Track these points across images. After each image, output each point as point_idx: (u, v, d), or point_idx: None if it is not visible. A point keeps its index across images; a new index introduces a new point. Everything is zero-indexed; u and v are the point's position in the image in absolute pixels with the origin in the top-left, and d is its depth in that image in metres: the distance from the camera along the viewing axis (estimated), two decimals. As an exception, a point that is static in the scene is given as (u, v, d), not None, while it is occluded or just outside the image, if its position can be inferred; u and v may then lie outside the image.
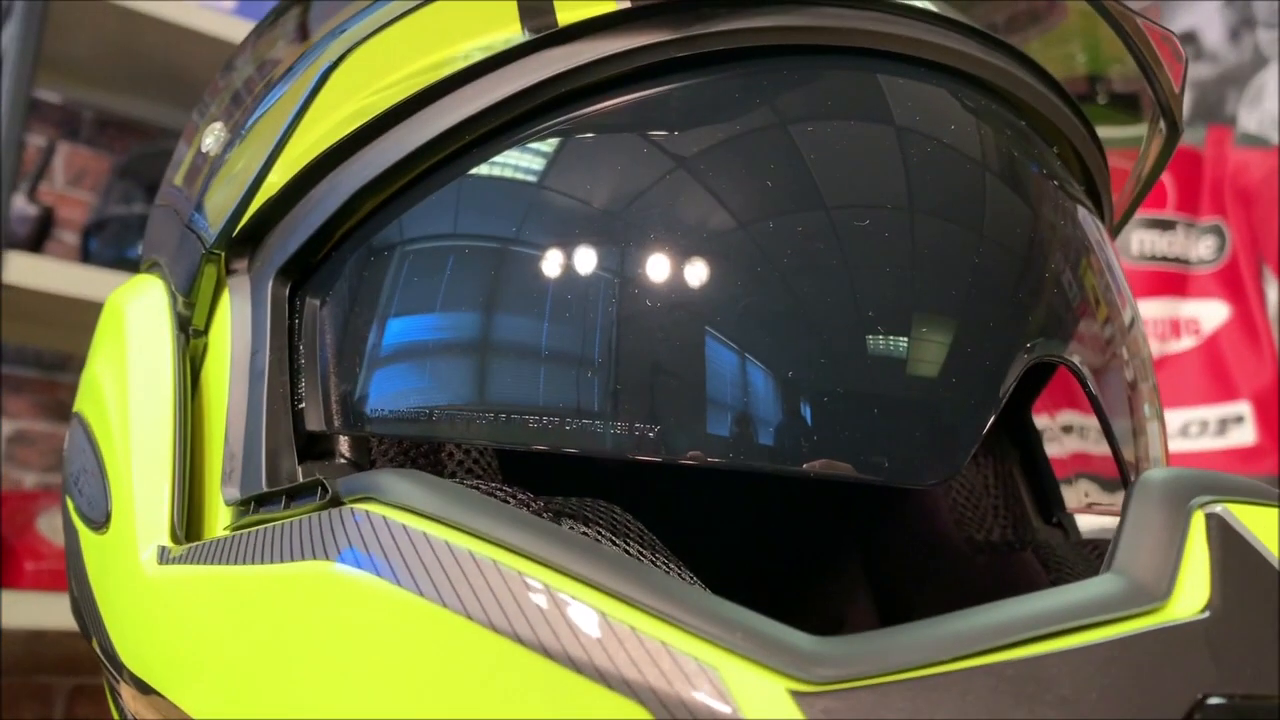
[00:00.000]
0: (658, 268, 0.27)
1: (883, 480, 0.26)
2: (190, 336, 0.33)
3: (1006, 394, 0.28)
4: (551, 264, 0.28)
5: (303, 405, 0.31)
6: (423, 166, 0.31)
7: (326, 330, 0.31)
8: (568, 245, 0.28)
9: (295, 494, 0.27)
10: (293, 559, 0.25)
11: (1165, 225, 1.96)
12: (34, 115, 1.44)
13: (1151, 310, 1.96)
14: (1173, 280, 1.95)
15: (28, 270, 1.06)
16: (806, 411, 0.26)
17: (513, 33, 0.30)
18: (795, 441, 0.26)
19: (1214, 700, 0.20)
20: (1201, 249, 1.95)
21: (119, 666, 0.30)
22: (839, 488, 0.49)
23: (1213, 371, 1.92)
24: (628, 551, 0.27)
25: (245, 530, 0.27)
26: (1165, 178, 1.90)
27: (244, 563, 0.26)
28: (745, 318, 0.27)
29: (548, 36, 0.30)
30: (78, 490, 0.35)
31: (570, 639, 0.21)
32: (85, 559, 0.34)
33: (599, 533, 0.28)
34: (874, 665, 0.20)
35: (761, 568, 0.51)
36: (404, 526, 0.23)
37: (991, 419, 0.27)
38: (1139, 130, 0.39)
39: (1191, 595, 0.21)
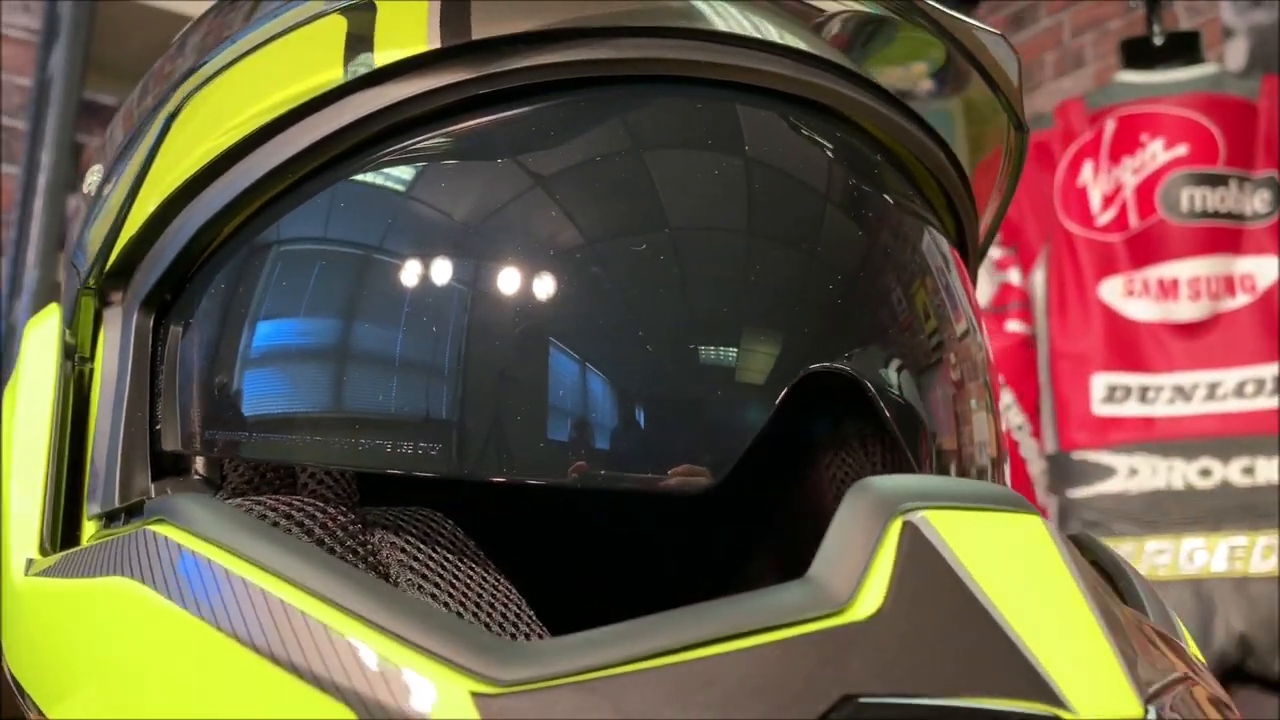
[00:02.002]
0: (434, 293, 0.29)
1: (645, 489, 0.28)
2: (77, 364, 0.37)
3: (775, 402, 0.29)
4: (363, 289, 0.31)
5: (159, 426, 0.34)
6: (258, 203, 0.33)
7: (179, 355, 0.34)
8: (374, 274, 0.31)
9: (132, 511, 0.30)
10: (101, 574, 0.28)
11: (1216, 180, 1.90)
12: (89, 117, 1.51)
13: (1202, 268, 1.91)
14: (1225, 236, 1.90)
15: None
16: (570, 425, 0.28)
17: (335, 75, 0.32)
18: (562, 454, 0.28)
19: (861, 700, 0.21)
20: (1256, 203, 1.89)
21: (9, 673, 0.34)
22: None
23: (1269, 329, 1.87)
24: (431, 559, 0.30)
25: (91, 544, 0.30)
26: (1214, 131, 1.85)
27: (76, 575, 0.29)
28: (521, 338, 0.29)
29: (364, 78, 0.32)
30: None
31: (295, 647, 0.23)
32: None
33: (406, 540, 0.30)
34: (550, 669, 0.22)
35: (694, 573, 0.53)
36: (179, 546, 0.26)
37: (759, 429, 0.29)
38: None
39: (870, 600, 0.23)
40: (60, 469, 0.34)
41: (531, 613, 0.30)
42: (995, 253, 2.13)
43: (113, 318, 0.36)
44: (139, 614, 0.26)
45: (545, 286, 0.29)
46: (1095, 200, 2.05)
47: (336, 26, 0.33)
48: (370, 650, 0.23)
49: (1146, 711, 0.23)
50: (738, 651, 0.22)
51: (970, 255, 0.43)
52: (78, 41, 1.33)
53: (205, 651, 0.25)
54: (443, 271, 0.30)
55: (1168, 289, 1.95)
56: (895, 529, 0.24)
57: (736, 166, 0.32)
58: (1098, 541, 0.39)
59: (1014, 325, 2.10)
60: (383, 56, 0.32)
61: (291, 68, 0.33)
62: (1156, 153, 1.99)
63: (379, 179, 0.32)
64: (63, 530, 0.34)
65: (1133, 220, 1.99)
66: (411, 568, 0.29)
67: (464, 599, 0.29)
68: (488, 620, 0.29)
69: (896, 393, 0.32)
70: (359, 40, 0.32)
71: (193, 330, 0.34)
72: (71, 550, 0.31)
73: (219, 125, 0.33)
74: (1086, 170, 2.07)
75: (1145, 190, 1.96)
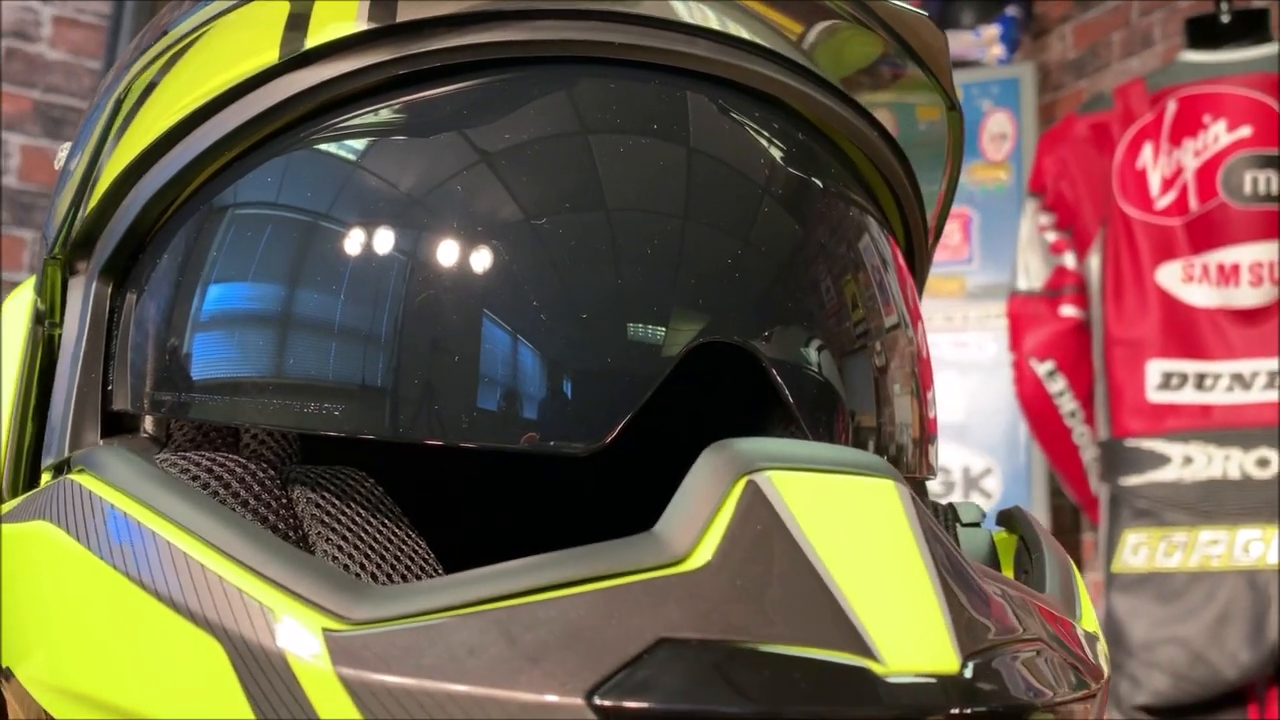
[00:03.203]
0: (345, 261, 0.31)
1: (535, 450, 0.30)
2: (46, 329, 0.39)
3: (663, 373, 0.30)
4: (288, 258, 0.33)
5: (111, 387, 0.36)
6: (201, 178, 0.35)
7: (131, 321, 0.36)
8: (298, 243, 0.33)
9: (72, 463, 0.33)
10: (31, 518, 0.30)
11: (1280, 163, 1.85)
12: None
13: (1264, 253, 1.86)
14: (1290, 220, 1.85)
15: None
16: (466, 390, 0.30)
17: (270, 57, 0.34)
18: (457, 417, 0.30)
19: (676, 641, 0.23)
20: (1325, 186, 1.83)
21: None
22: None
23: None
24: (342, 513, 0.31)
25: (32, 492, 0.33)
26: (1280, 111, 1.79)
27: (16, 520, 0.32)
28: (423, 308, 0.30)
29: (297, 58, 0.34)
30: None
31: (174, 584, 0.25)
32: None
33: (323, 496, 0.32)
34: (394, 610, 0.24)
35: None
36: (87, 491, 0.28)
37: (645, 396, 0.30)
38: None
39: (705, 552, 0.24)
40: (24, 424, 0.37)
41: (440, 567, 0.32)
42: (1051, 236, 2.09)
43: (76, 285, 0.38)
44: (52, 554, 0.28)
45: (446, 257, 0.30)
46: (1155, 183, 2.00)
47: (277, 9, 0.35)
48: (240, 590, 0.25)
49: (964, 666, 0.24)
50: (565, 598, 0.23)
51: (916, 244, 0.44)
52: (139, 24, 1.38)
53: (104, 588, 0.27)
54: (355, 240, 0.32)
55: (1228, 274, 1.90)
56: (739, 487, 0.25)
57: (644, 144, 0.33)
58: (1024, 516, 0.39)
59: (1068, 310, 2.07)
60: (314, 39, 0.34)
61: (233, 51, 0.35)
62: (1219, 134, 1.93)
63: (307, 154, 0.34)
64: (27, 481, 0.37)
65: (1193, 204, 1.94)
66: (323, 521, 0.31)
67: (370, 551, 0.31)
68: (391, 571, 0.31)
69: (815, 371, 0.33)
70: (296, 23, 0.34)
71: (143, 298, 0.36)
72: (20, 496, 0.33)
73: (170, 105, 0.35)
74: (1146, 152, 2.03)
75: (1206, 173, 1.91)
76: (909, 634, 0.24)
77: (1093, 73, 2.64)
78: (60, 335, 0.39)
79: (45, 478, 0.36)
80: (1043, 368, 2.08)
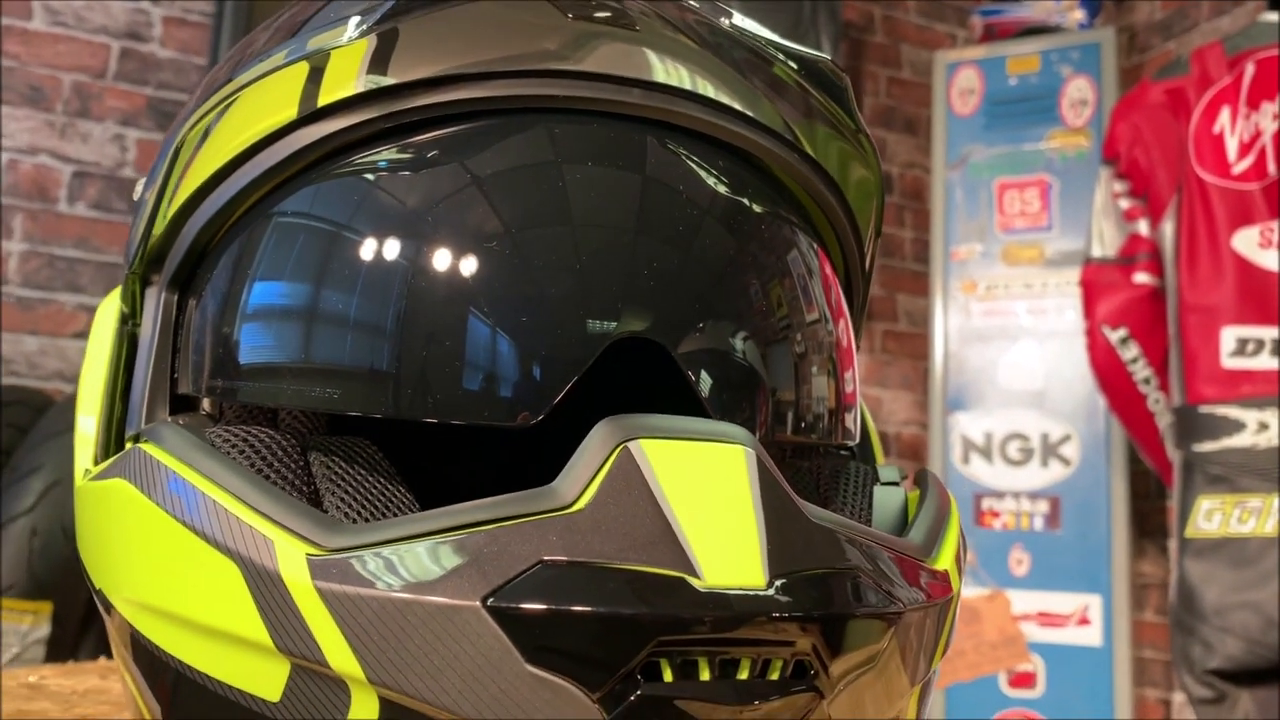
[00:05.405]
0: (342, 277, 0.40)
1: (487, 420, 0.38)
2: (130, 328, 0.49)
3: (588, 361, 0.38)
4: (307, 274, 0.42)
5: (177, 375, 0.46)
6: (240, 210, 0.45)
7: (191, 322, 0.46)
8: (315, 261, 0.42)
9: (141, 435, 0.43)
10: (113, 477, 0.40)
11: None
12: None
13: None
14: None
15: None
16: (438, 376, 0.38)
17: (290, 113, 0.43)
18: (421, 394, 0.38)
19: (551, 561, 0.31)
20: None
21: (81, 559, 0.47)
22: None
23: None
24: (347, 473, 0.41)
25: (116, 457, 0.43)
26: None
27: (103, 479, 0.42)
28: (404, 312, 0.39)
29: (310, 115, 0.43)
30: None
31: (207, 524, 0.35)
32: None
33: (333, 461, 0.41)
34: (360, 540, 0.33)
35: None
36: (151, 457, 0.38)
37: (573, 380, 0.38)
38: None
39: (583, 501, 0.33)
40: (113, 403, 0.47)
41: (417, 513, 0.41)
42: (1124, 203, 2.09)
43: (151, 294, 0.48)
44: (127, 502, 0.38)
45: (421, 268, 0.39)
46: (1232, 148, 1.98)
47: (299, 72, 0.44)
48: (251, 527, 0.34)
49: (770, 584, 0.32)
50: (479, 533, 0.32)
51: (852, 268, 0.51)
52: (239, 25, 1.50)
53: (162, 528, 0.36)
54: (346, 262, 0.41)
55: (1306, 239, 1.89)
56: (616, 452, 0.33)
57: (582, 173, 0.41)
58: (928, 478, 0.47)
59: (1142, 277, 2.07)
60: (324, 98, 0.42)
61: (264, 107, 0.44)
62: (1298, 96, 1.91)
63: (324, 186, 0.43)
64: (115, 447, 0.47)
65: (1271, 168, 1.92)
66: (330, 478, 0.40)
67: (365, 501, 0.40)
68: (382, 516, 0.39)
69: (719, 360, 0.41)
70: (312, 84, 0.43)
71: (201, 303, 0.45)
72: (109, 459, 0.43)
73: (219, 150, 0.45)
74: (1224, 116, 2.01)
75: (1285, 136, 1.89)
76: (727, 558, 0.32)
77: (1180, 34, 2.60)
78: (139, 333, 0.49)
79: (127, 445, 0.46)
80: (1115, 335, 2.08)
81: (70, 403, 1.64)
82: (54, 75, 1.99)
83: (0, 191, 1.92)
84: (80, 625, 1.49)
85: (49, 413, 1.61)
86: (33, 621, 1.43)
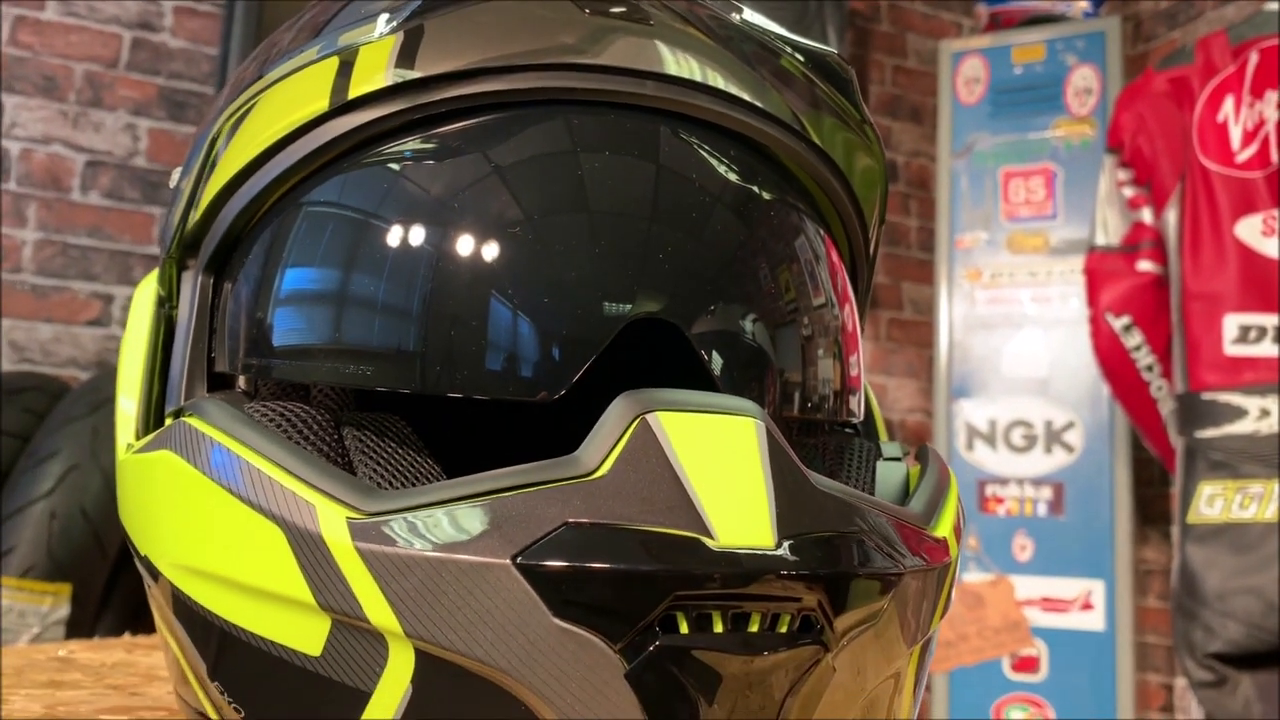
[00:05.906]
0: (371, 260, 0.42)
1: (510, 395, 0.40)
2: (166, 310, 0.52)
3: (605, 341, 0.40)
4: (338, 258, 0.44)
5: (214, 355, 0.48)
6: (274, 196, 0.47)
7: (227, 304, 0.48)
8: (345, 245, 0.44)
9: (185, 410, 0.45)
10: (158, 449, 0.42)
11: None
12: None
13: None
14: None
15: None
16: (464, 353, 0.40)
17: (321, 105, 0.45)
18: (447, 371, 0.41)
19: (575, 523, 0.33)
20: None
21: (124, 528, 0.49)
22: None
23: None
24: (379, 445, 0.43)
25: (159, 431, 0.45)
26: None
27: (146, 451, 0.44)
28: (432, 292, 0.41)
29: (340, 107, 0.45)
30: None
31: (251, 491, 0.37)
32: None
33: (365, 434, 0.43)
34: (395, 505, 0.35)
35: None
36: (196, 430, 0.40)
37: (591, 359, 0.40)
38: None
39: (604, 469, 0.35)
40: (152, 382, 0.50)
41: (446, 480, 0.43)
42: (1128, 192, 2.11)
43: (187, 278, 0.50)
44: (173, 472, 0.41)
45: (449, 252, 0.41)
46: (1235, 136, 2.00)
47: (330, 67, 0.46)
48: (295, 493, 0.36)
49: (779, 544, 0.34)
50: (507, 498, 0.34)
51: (858, 254, 0.53)
52: (249, 16, 1.52)
53: (208, 495, 0.39)
54: (376, 247, 0.43)
55: (1308, 227, 1.90)
56: (635, 424, 0.36)
57: (601, 162, 0.44)
58: (929, 453, 0.49)
59: (1145, 265, 2.08)
60: (354, 90, 0.45)
61: (296, 99, 0.46)
62: (1301, 85, 1.92)
63: (354, 175, 0.45)
64: (154, 424, 0.49)
65: (1274, 157, 1.93)
66: (363, 451, 0.42)
67: (396, 471, 0.42)
68: (410, 484, 0.42)
69: (731, 340, 0.43)
70: (342, 78, 0.45)
71: (236, 286, 0.48)
72: (149, 435, 0.46)
73: (252, 140, 0.47)
74: (1227, 105, 2.02)
75: (1288, 124, 1.91)
76: (739, 521, 0.34)
77: (1185, 23, 2.61)
78: (176, 315, 0.51)
79: (168, 421, 0.48)
80: (1119, 322, 2.10)
81: (86, 389, 1.67)
82: (66, 65, 2.01)
83: (15, 180, 1.94)
84: (99, 606, 1.52)
85: (65, 398, 1.63)
86: (53, 603, 1.46)
